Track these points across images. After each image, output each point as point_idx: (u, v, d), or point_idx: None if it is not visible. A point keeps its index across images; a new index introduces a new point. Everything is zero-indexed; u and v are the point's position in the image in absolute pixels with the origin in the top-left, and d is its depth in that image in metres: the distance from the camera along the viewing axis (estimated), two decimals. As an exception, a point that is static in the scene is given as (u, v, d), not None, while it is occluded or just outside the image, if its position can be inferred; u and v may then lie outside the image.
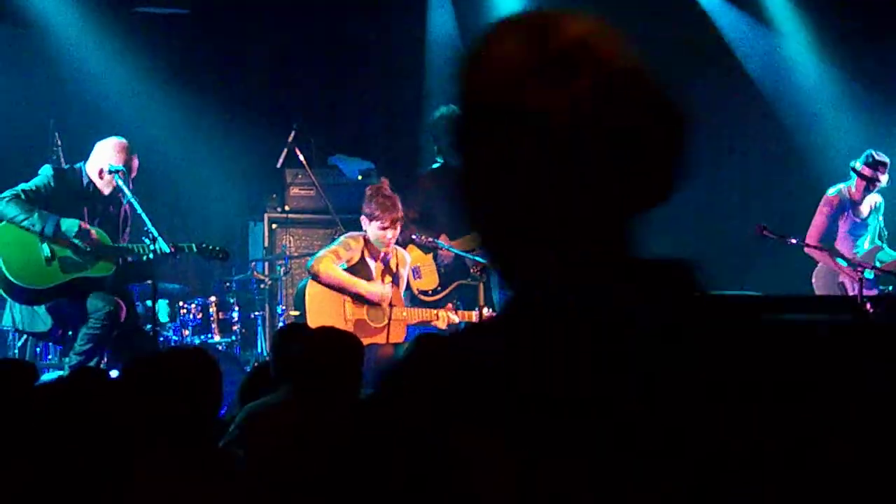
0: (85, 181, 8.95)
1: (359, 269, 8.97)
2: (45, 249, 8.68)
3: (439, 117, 9.75)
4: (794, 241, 9.69)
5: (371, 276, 8.96)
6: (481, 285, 8.97)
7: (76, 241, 8.65)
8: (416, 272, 9.46)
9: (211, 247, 9.08)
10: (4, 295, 8.81)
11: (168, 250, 8.62)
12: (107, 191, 8.97)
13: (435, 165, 9.89)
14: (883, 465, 1.82)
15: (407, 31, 12.58)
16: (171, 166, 11.64)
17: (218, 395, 5.03)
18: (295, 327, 7.09)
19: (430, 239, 9.38)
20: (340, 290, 8.84)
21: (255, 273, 10.77)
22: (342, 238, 9.08)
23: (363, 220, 8.90)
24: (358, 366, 5.09)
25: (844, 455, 1.85)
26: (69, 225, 8.65)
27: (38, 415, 3.48)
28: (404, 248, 9.28)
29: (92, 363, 8.49)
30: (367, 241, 8.94)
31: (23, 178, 8.98)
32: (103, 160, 8.92)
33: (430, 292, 9.52)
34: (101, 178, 8.91)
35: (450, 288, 9.57)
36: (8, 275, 8.65)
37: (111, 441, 3.46)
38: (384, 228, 8.79)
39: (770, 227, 9.15)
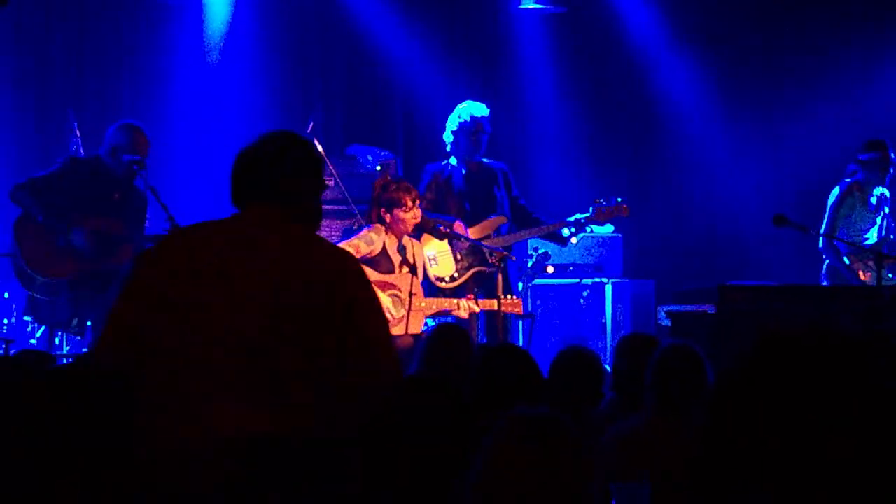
0: (102, 169, 8.94)
1: (380, 260, 8.99)
2: (62, 240, 8.68)
3: (461, 123, 9.75)
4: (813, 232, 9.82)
5: (393, 268, 8.99)
6: (500, 273, 8.95)
7: (79, 246, 8.66)
8: (432, 260, 9.43)
9: None
10: (24, 286, 8.82)
11: None
12: (125, 177, 8.95)
13: (445, 163, 9.88)
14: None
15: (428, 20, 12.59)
16: (189, 156, 11.63)
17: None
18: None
19: (446, 228, 9.35)
20: None
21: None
22: (364, 231, 9.10)
23: (382, 212, 8.94)
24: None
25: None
26: (79, 222, 8.66)
27: (46, 400, 3.47)
28: (419, 235, 9.26)
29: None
30: (387, 234, 8.98)
31: (43, 167, 8.99)
32: (117, 145, 8.91)
33: (447, 279, 9.48)
34: (117, 162, 8.88)
35: (467, 275, 9.53)
36: (27, 267, 8.67)
37: (114, 427, 3.44)
38: (408, 210, 8.91)
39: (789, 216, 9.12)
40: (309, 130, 10.83)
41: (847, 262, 10.09)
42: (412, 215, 8.98)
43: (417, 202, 9.02)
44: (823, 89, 12.62)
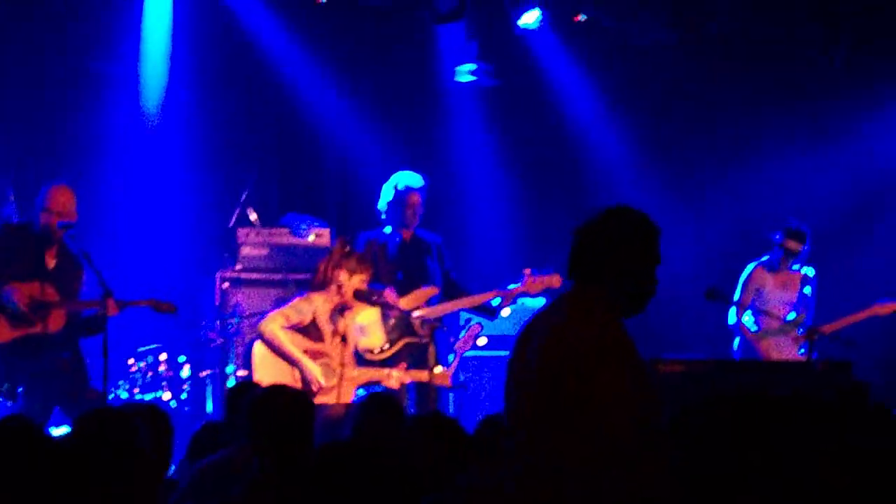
0: (35, 234, 8.89)
1: (310, 330, 9.03)
2: (-8, 308, 8.62)
3: (396, 193, 9.82)
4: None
5: (322, 337, 9.02)
6: (431, 345, 9.00)
7: (10, 306, 8.61)
8: (362, 330, 9.44)
9: (161, 301, 9.00)
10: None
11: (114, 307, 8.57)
12: (58, 242, 8.91)
13: (380, 231, 9.94)
14: None
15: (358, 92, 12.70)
16: (122, 220, 11.62)
17: (169, 451, 5.03)
18: (247, 384, 7.10)
19: (378, 297, 9.37)
20: (281, 355, 8.91)
21: (205, 331, 10.72)
22: (295, 300, 9.13)
23: (341, 274, 8.97)
24: (308, 421, 5.09)
25: None
26: (10, 288, 8.60)
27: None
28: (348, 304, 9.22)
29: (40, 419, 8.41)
30: (323, 301, 9.00)
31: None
32: (49, 207, 8.86)
33: (376, 350, 9.49)
34: (52, 228, 8.84)
35: (397, 346, 9.55)
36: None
37: (56, 493, 3.45)
38: (358, 280, 8.95)
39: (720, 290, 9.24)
40: (243, 199, 10.88)
41: (755, 338, 10.31)
42: (359, 280, 9.01)
43: (367, 277, 9.07)
44: (752, 160, 12.87)
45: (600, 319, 4.35)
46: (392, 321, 9.56)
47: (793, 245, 10.31)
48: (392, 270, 9.74)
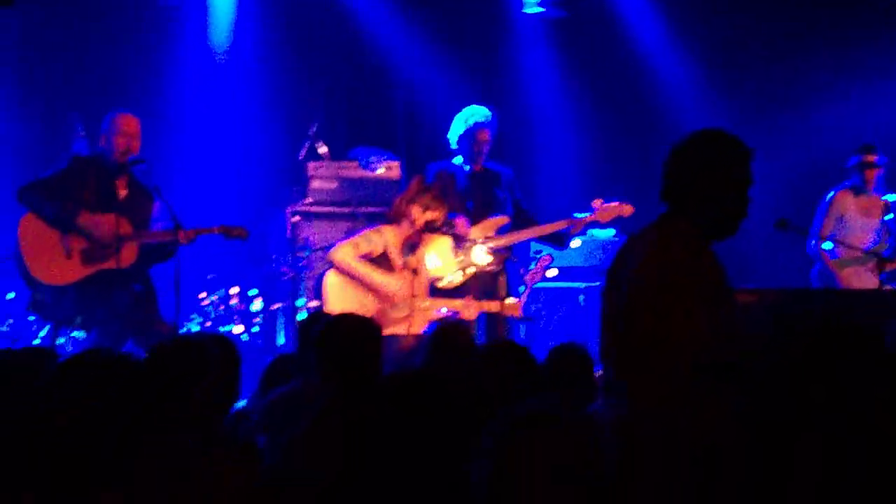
0: (106, 166, 8.92)
1: (381, 262, 9.02)
2: (67, 242, 8.68)
3: (466, 128, 9.76)
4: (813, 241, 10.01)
5: (393, 268, 9.01)
6: (501, 275, 8.97)
7: (87, 234, 8.66)
8: (433, 259, 9.42)
9: (232, 226, 8.99)
10: (29, 288, 8.81)
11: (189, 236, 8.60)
12: (128, 173, 8.93)
13: (450, 162, 9.90)
14: None
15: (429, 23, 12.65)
16: (193, 157, 11.68)
17: (237, 380, 5.05)
18: (318, 315, 7.11)
19: (449, 226, 9.35)
20: (353, 278, 8.90)
21: (276, 265, 10.76)
22: (364, 231, 9.14)
23: (414, 208, 8.96)
24: (377, 348, 5.09)
25: None
26: (85, 220, 8.66)
27: (52, 390, 3.51)
28: (422, 234, 9.19)
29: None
30: (395, 235, 9.00)
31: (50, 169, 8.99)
32: (116, 134, 8.88)
33: (446, 280, 9.47)
34: (120, 155, 8.86)
35: (467, 275, 9.52)
36: (30, 271, 8.66)
37: (125, 420, 3.47)
38: (438, 219, 8.99)
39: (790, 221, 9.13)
40: (312, 132, 10.88)
41: (835, 266, 10.18)
42: (431, 216, 8.99)
43: (441, 216, 9.04)
44: (825, 90, 12.68)
45: (679, 255, 4.33)
46: (462, 251, 9.53)
47: (869, 157, 10.22)
48: (462, 200, 9.70)
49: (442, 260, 9.44)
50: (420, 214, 8.99)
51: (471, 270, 9.50)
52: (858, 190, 10.31)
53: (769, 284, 10.72)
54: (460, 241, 9.46)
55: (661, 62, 13.02)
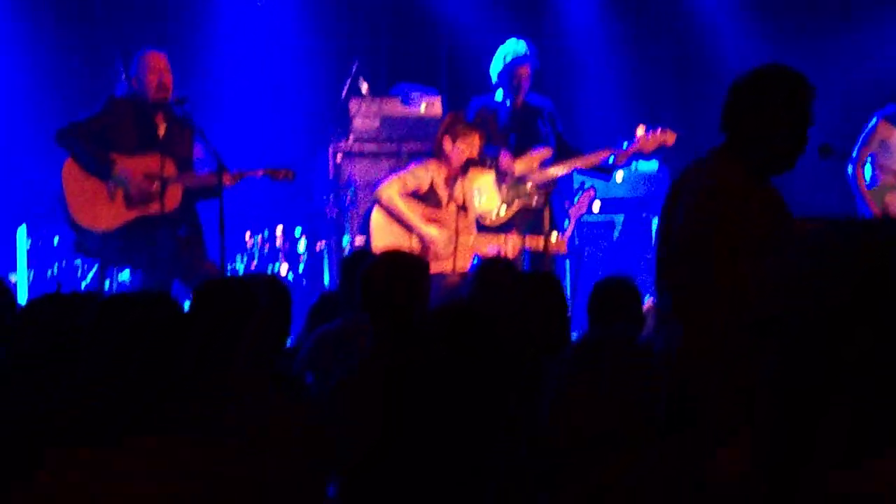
0: (143, 105, 8.86)
1: (428, 196, 9.02)
2: (110, 187, 8.67)
3: (505, 64, 9.70)
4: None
5: (441, 203, 9.02)
6: (546, 209, 8.94)
7: (124, 186, 8.65)
8: (477, 194, 9.40)
9: (277, 168, 8.97)
10: (73, 231, 8.81)
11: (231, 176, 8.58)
12: (164, 108, 8.90)
13: (491, 96, 9.85)
14: None
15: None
16: (234, 96, 11.68)
17: (288, 320, 5.06)
18: (362, 252, 7.12)
19: (492, 161, 9.33)
20: (398, 220, 8.92)
21: (321, 204, 10.77)
22: (412, 166, 9.14)
23: (446, 140, 8.97)
24: (423, 285, 5.08)
25: None
26: (122, 169, 8.64)
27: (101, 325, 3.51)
28: (465, 169, 9.18)
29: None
30: (440, 170, 9.00)
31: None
32: (147, 71, 8.84)
33: (492, 216, 9.45)
34: (155, 95, 8.82)
35: (512, 209, 9.50)
36: (74, 216, 8.66)
37: (175, 356, 3.48)
38: (473, 145, 8.99)
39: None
40: (353, 70, 10.85)
41: (872, 195, 10.01)
42: (469, 151, 8.97)
43: (475, 142, 9.02)
44: (868, 17, 12.54)
45: (725, 202, 4.31)
46: (506, 185, 9.51)
47: None
48: (505, 135, 9.67)
49: (486, 196, 9.42)
50: (451, 146, 8.99)
51: (515, 206, 9.48)
52: None
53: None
54: (504, 177, 9.44)
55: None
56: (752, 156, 4.52)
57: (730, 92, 4.62)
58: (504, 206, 9.45)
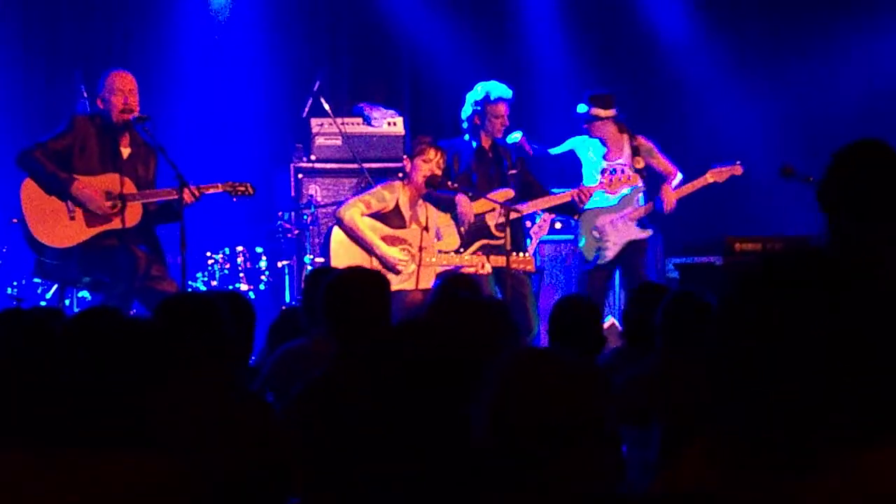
0: (107, 125, 8.80)
1: (392, 217, 9.02)
2: (70, 206, 8.62)
3: (490, 103, 9.65)
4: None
5: (404, 224, 9.02)
6: (507, 241, 8.91)
7: (82, 207, 8.61)
8: (436, 233, 9.34)
9: (237, 182, 8.95)
10: (33, 251, 8.76)
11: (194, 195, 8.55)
12: (130, 130, 8.86)
13: (457, 139, 9.82)
14: None
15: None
16: (194, 115, 11.66)
17: (251, 337, 5.05)
18: (324, 269, 7.12)
19: (453, 186, 9.30)
20: (358, 241, 8.92)
21: (281, 222, 10.76)
22: (376, 188, 9.14)
23: (405, 160, 9.04)
24: (385, 300, 5.08)
25: None
26: (79, 190, 8.58)
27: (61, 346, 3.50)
28: (429, 184, 9.09)
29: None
30: (406, 191, 9.01)
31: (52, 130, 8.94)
32: (113, 92, 8.81)
33: (451, 253, 9.42)
34: (119, 116, 8.78)
35: (473, 247, 9.42)
36: (34, 234, 8.62)
37: (133, 372, 3.46)
38: (428, 161, 9.00)
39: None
40: (315, 89, 10.86)
41: None
42: (429, 168, 8.96)
43: (440, 160, 9.01)
44: (835, 36, 12.60)
45: None
46: (465, 222, 9.41)
47: None
48: (467, 174, 9.60)
49: (445, 234, 9.36)
50: (409, 164, 9.04)
51: (476, 245, 9.44)
52: None
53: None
54: (462, 219, 9.37)
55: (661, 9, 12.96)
56: None
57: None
58: (463, 246, 9.36)
